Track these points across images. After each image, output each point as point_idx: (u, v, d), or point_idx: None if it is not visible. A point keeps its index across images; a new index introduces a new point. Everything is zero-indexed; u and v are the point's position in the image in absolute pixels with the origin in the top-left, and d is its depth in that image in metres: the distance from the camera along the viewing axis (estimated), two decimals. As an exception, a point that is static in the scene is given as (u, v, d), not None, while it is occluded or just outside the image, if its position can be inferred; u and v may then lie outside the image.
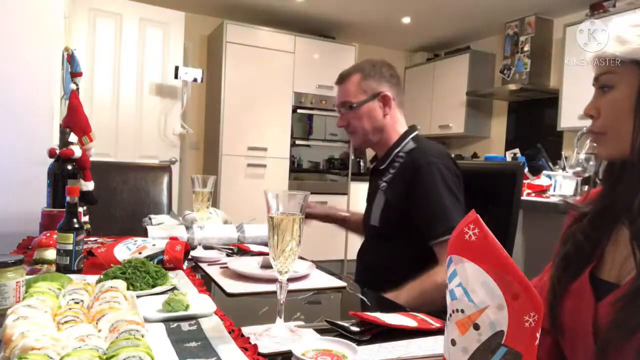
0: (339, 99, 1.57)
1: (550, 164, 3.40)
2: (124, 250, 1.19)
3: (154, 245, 1.22)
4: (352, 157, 4.77)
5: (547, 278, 0.86)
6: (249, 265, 1.26)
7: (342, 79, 1.57)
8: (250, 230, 1.57)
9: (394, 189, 1.44)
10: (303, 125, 4.57)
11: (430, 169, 1.36)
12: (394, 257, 1.43)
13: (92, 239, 1.47)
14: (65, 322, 0.67)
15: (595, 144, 0.79)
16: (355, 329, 0.80)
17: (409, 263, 1.33)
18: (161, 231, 1.44)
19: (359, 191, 4.53)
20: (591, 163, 2.42)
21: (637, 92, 0.71)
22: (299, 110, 4.45)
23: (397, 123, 1.55)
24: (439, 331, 0.83)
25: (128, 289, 0.90)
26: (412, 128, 1.56)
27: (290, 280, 0.84)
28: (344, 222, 1.86)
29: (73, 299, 0.79)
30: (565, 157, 3.35)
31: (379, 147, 1.57)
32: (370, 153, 5.21)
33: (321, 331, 0.82)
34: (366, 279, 1.50)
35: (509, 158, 4.04)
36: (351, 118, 1.54)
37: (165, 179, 2.14)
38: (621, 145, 0.73)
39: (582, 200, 0.85)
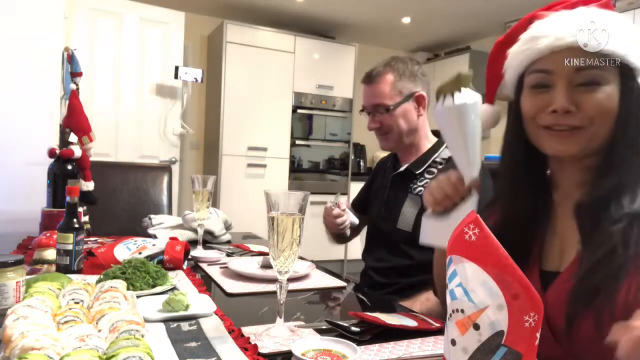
0: (371, 100, 1.44)
1: (550, 164, 3.40)
2: (124, 250, 1.19)
3: (154, 245, 1.23)
4: (352, 157, 4.77)
5: None
6: (249, 265, 1.27)
7: (373, 78, 1.44)
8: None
9: None
10: (303, 125, 4.56)
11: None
12: (419, 263, 1.35)
13: (92, 239, 1.48)
14: (65, 322, 0.67)
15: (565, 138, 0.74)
16: (355, 329, 0.80)
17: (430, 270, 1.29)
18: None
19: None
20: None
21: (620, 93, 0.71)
22: (299, 110, 4.45)
23: (426, 125, 1.48)
24: (439, 331, 0.83)
25: (128, 289, 0.90)
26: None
27: (290, 280, 0.84)
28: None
29: (73, 299, 0.79)
30: (565, 157, 3.34)
31: (410, 150, 1.47)
32: (370, 153, 5.21)
33: (321, 331, 0.82)
34: (380, 283, 1.42)
35: (509, 158, 4.03)
36: (385, 119, 1.43)
37: (165, 179, 2.14)
38: (595, 143, 0.74)
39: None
